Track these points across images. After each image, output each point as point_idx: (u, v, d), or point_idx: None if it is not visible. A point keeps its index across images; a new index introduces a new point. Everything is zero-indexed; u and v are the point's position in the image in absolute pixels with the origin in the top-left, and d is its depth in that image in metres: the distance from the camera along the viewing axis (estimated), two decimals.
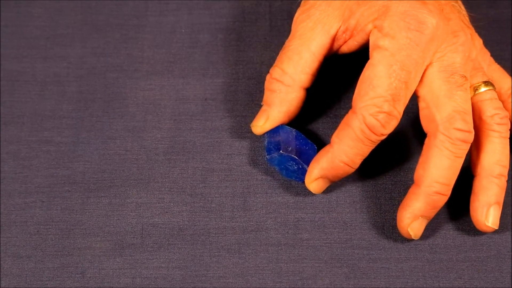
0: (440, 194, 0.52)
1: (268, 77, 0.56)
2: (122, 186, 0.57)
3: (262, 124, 0.56)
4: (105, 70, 0.61)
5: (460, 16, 0.55)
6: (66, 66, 0.61)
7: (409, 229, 0.53)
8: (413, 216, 0.53)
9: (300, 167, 0.55)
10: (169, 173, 0.57)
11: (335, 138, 0.53)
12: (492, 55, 0.57)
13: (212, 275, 0.54)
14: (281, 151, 0.55)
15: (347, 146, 0.53)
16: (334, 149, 0.53)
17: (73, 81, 0.60)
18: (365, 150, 0.53)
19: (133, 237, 0.55)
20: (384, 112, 0.52)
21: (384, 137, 0.53)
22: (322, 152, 0.54)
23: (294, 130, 0.56)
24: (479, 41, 0.56)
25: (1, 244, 0.55)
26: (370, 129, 0.52)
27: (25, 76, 0.61)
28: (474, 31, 0.55)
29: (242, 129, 0.59)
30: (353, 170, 0.54)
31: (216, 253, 0.55)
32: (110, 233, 0.55)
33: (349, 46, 0.56)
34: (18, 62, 0.61)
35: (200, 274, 0.54)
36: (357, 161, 0.54)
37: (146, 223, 0.55)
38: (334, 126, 0.58)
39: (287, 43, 0.56)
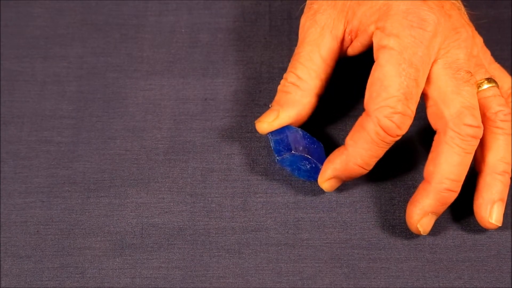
0: (451, 190, 0.52)
1: (283, 81, 0.56)
2: (122, 186, 0.57)
3: (271, 121, 0.55)
4: (105, 70, 0.61)
5: (460, 13, 0.55)
6: (66, 66, 0.61)
7: (418, 225, 0.53)
8: (423, 213, 0.53)
9: (314, 166, 0.55)
10: (169, 173, 0.57)
11: (349, 140, 0.53)
12: (492, 55, 0.57)
13: (212, 275, 0.54)
14: (292, 151, 0.54)
15: (362, 149, 0.53)
16: (349, 152, 0.53)
17: (73, 81, 0.60)
18: (380, 152, 0.53)
19: (133, 237, 0.55)
20: (399, 113, 0.52)
21: (399, 138, 0.53)
22: (337, 153, 0.54)
23: (299, 129, 0.56)
24: (479, 39, 0.56)
25: (1, 244, 0.55)
26: (385, 131, 0.52)
27: (25, 76, 0.60)
28: (474, 29, 0.55)
29: (242, 129, 0.58)
30: (366, 172, 0.54)
31: (216, 253, 0.55)
32: (110, 233, 0.55)
33: (354, 47, 0.55)
34: (18, 62, 0.61)
35: (200, 274, 0.54)
36: (371, 163, 0.54)
37: (146, 223, 0.55)
38: (337, 125, 0.58)
39: (297, 49, 0.56)
